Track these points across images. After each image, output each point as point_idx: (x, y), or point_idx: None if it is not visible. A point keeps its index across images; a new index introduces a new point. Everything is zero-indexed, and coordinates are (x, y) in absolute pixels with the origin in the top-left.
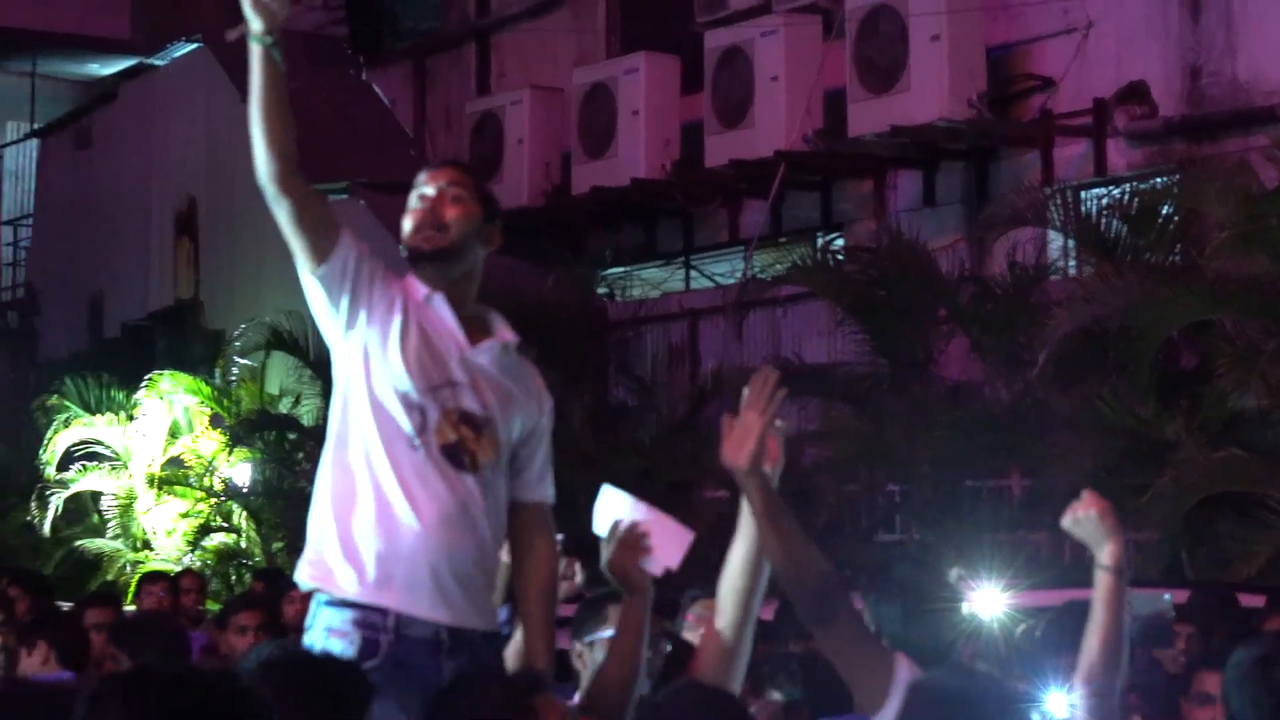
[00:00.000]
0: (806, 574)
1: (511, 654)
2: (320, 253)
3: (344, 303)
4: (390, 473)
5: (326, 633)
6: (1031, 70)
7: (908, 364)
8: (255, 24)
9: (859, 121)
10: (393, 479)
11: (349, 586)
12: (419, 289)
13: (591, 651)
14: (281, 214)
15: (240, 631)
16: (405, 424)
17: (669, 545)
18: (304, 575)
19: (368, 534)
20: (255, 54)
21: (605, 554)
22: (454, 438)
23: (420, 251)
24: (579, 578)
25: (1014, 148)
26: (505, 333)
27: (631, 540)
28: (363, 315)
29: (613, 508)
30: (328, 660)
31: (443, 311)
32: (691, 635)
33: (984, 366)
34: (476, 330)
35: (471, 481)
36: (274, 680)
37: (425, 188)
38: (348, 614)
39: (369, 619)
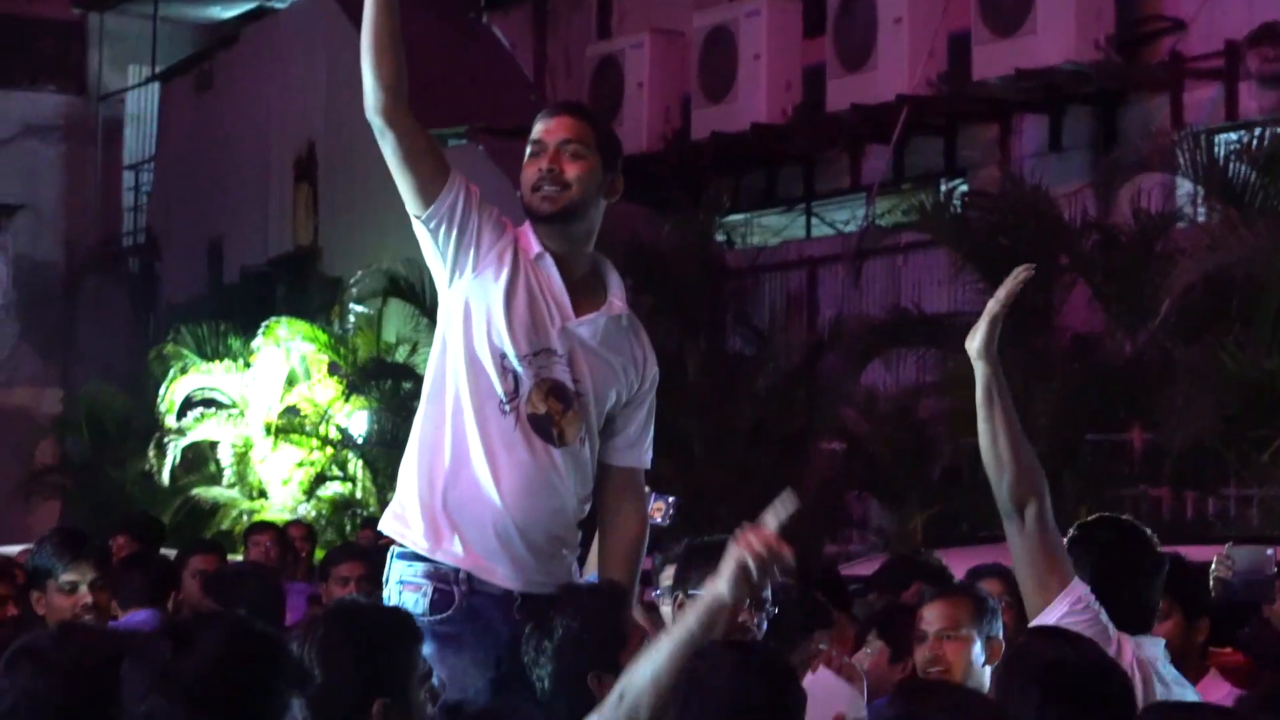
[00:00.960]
0: (1010, 463)
1: None
2: (429, 194)
3: (451, 248)
4: (477, 434)
5: (400, 586)
6: (1161, 11)
7: (1028, 313)
8: None
9: (984, 65)
10: (479, 441)
11: (424, 541)
12: (533, 243)
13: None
14: (388, 148)
15: (341, 582)
16: (498, 387)
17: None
18: (386, 524)
19: (447, 493)
20: None
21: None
22: (543, 410)
23: (540, 213)
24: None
25: (1142, 92)
26: (616, 302)
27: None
28: (469, 265)
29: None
30: (371, 610)
31: (553, 275)
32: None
33: (1106, 317)
34: (587, 296)
35: (558, 454)
36: (316, 635)
37: (544, 138)
38: (420, 566)
39: (442, 572)
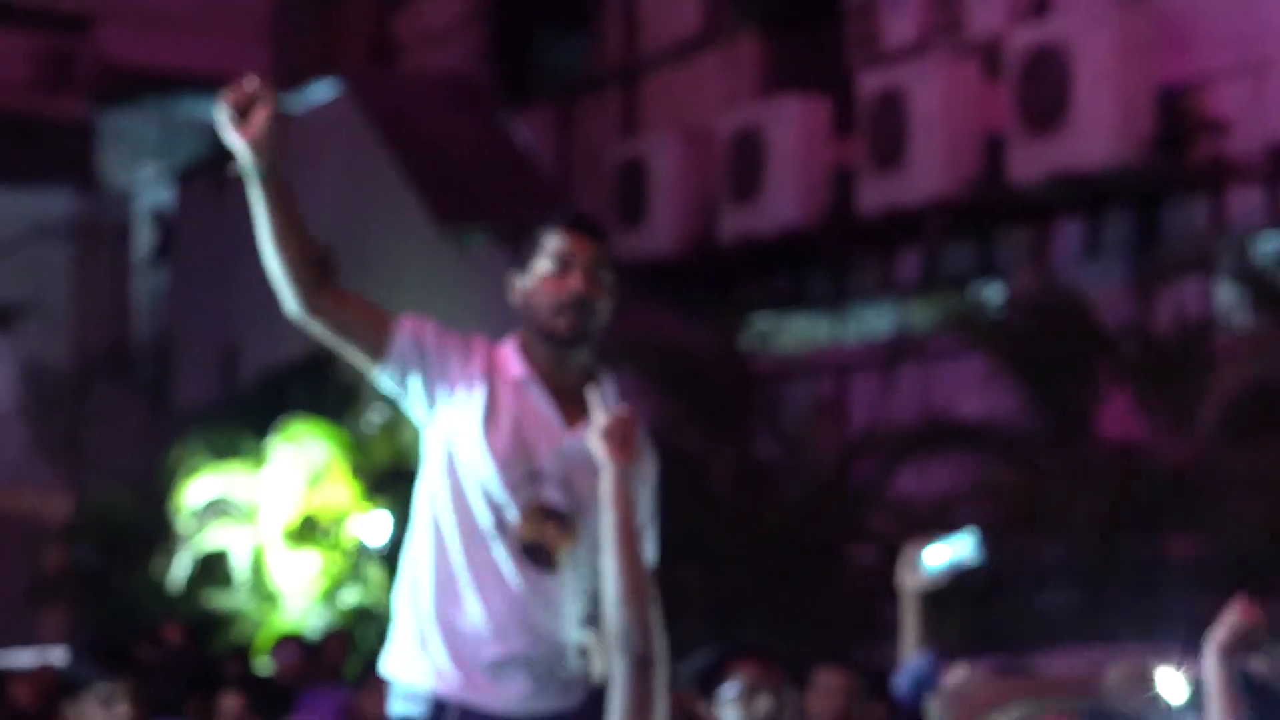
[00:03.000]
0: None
1: None
2: (376, 354)
3: (418, 386)
4: (465, 566)
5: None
6: (1204, 111)
7: (1068, 420)
8: (241, 156)
9: (1019, 166)
10: (467, 573)
11: (417, 676)
12: (514, 364)
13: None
14: (317, 333)
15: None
16: (484, 519)
17: None
18: (383, 661)
19: (441, 625)
20: (250, 187)
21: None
22: (533, 537)
23: (559, 336)
24: None
25: (1183, 193)
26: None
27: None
28: (441, 397)
29: None
30: None
31: (538, 400)
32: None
33: (1149, 423)
34: (577, 407)
35: (551, 581)
36: None
37: (575, 255)
38: (419, 695)
39: (439, 700)
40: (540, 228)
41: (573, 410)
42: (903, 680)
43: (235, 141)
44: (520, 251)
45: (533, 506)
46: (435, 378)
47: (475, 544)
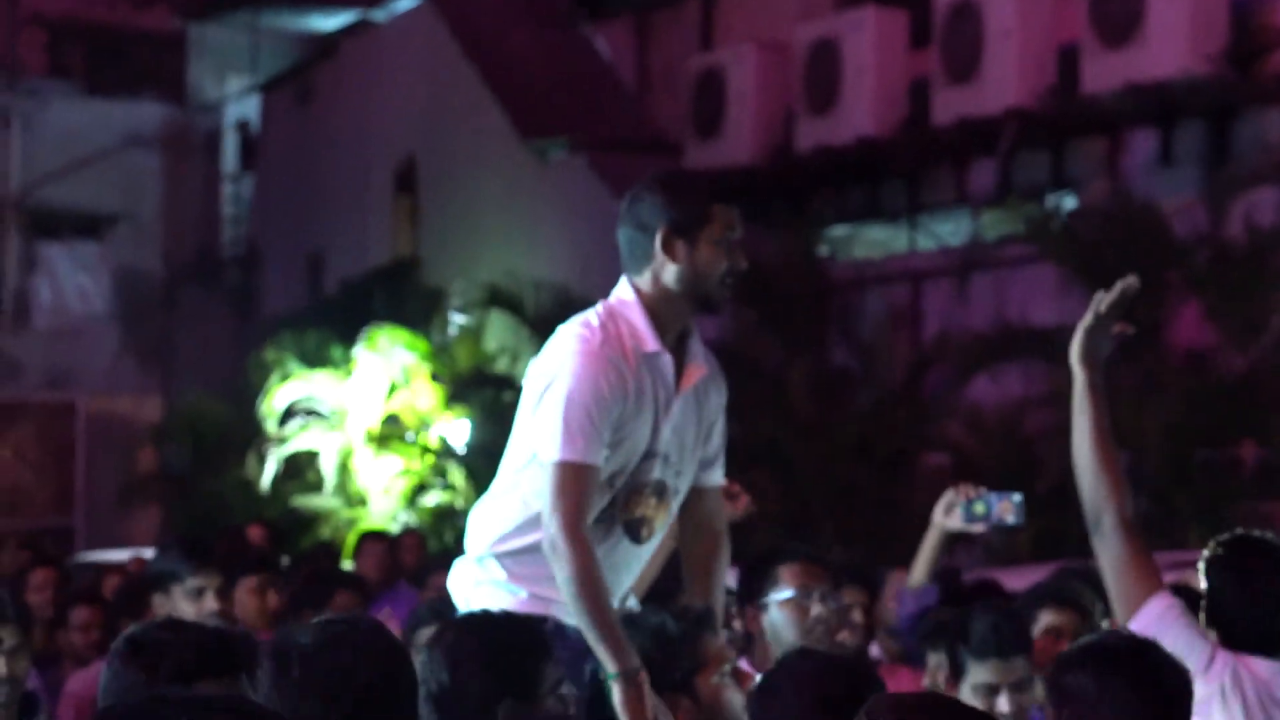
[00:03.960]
0: (1089, 472)
1: None
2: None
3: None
4: None
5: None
6: (1276, 23)
7: (1139, 330)
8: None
9: (1093, 77)
10: None
11: (515, 589)
12: (648, 338)
13: (766, 614)
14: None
15: (438, 592)
16: (600, 503)
17: None
18: (478, 546)
19: (535, 574)
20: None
21: None
22: (638, 514)
23: (719, 305)
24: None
25: (1256, 105)
26: (696, 368)
27: None
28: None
29: None
30: (504, 619)
31: (666, 372)
32: None
33: (1218, 333)
34: (681, 363)
35: (641, 549)
36: (447, 641)
37: (735, 233)
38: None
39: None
40: (698, 193)
41: (678, 363)
42: (906, 608)
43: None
44: (674, 208)
45: (642, 482)
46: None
47: (591, 519)
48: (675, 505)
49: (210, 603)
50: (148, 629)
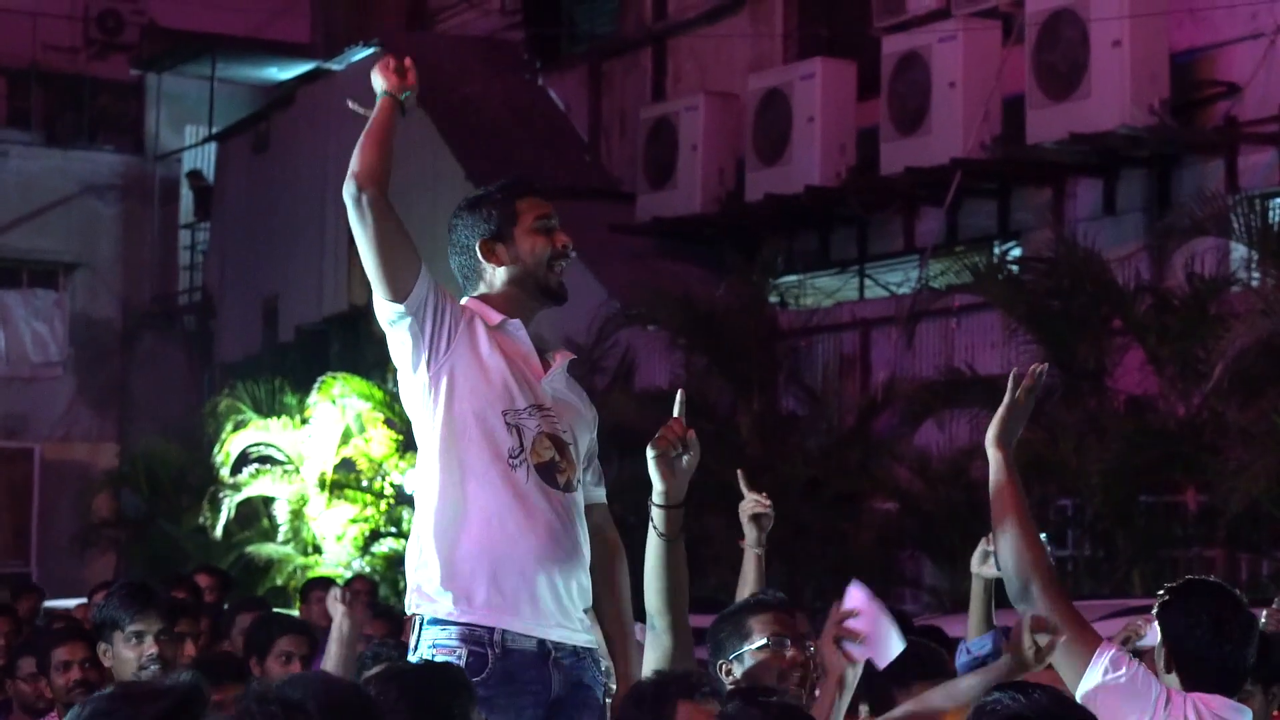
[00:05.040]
0: (1020, 547)
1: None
2: (404, 282)
3: (429, 332)
4: (493, 493)
5: (433, 650)
6: (1216, 76)
7: (1082, 376)
8: (381, 85)
9: (1038, 128)
10: (496, 499)
11: (453, 608)
12: (490, 314)
13: (741, 665)
14: (367, 231)
15: (365, 641)
16: (505, 444)
17: (882, 643)
18: (412, 603)
19: (474, 556)
20: (383, 104)
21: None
22: (548, 458)
23: (558, 294)
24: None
25: (1197, 156)
26: (564, 352)
27: (837, 619)
28: (445, 343)
29: (851, 599)
30: (424, 668)
31: (521, 336)
32: None
33: (1160, 379)
34: (539, 350)
35: (567, 500)
36: (382, 691)
37: (553, 216)
38: (453, 630)
39: (476, 634)
40: (500, 196)
41: (540, 353)
42: (962, 660)
43: (388, 83)
44: (482, 219)
45: (542, 433)
46: (442, 325)
47: (498, 469)
48: (579, 468)
49: (150, 647)
50: (99, 703)
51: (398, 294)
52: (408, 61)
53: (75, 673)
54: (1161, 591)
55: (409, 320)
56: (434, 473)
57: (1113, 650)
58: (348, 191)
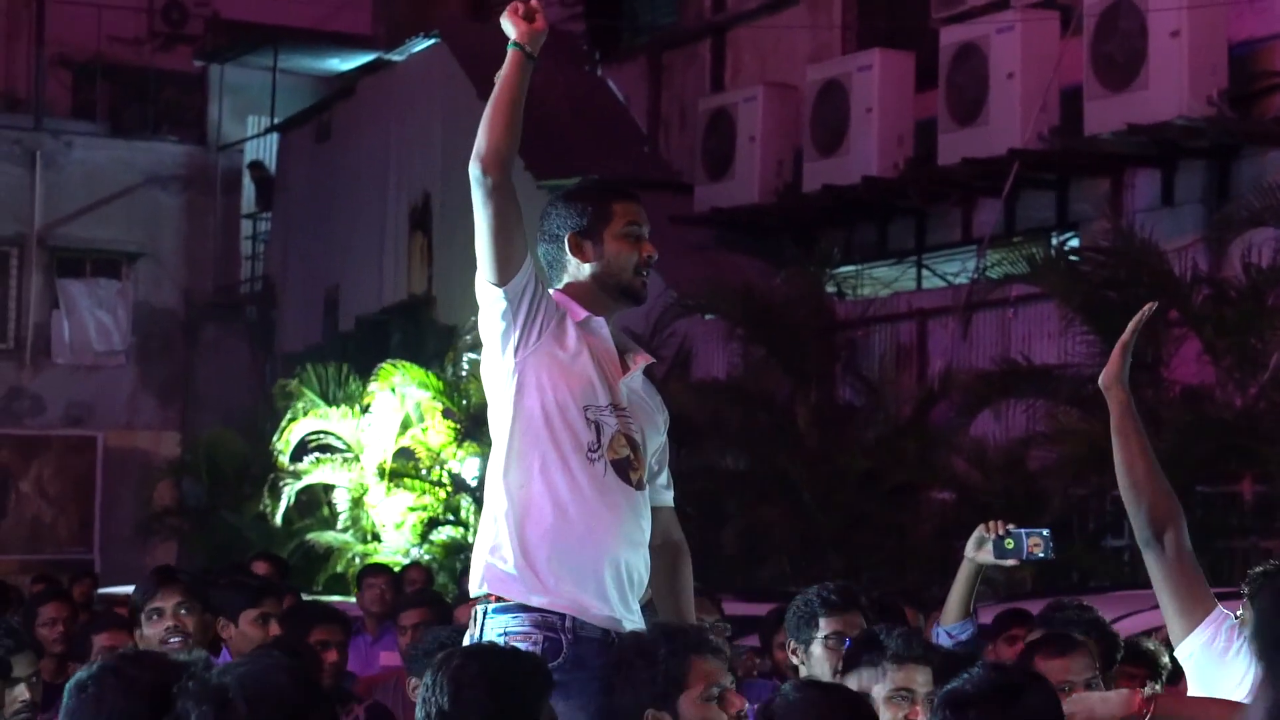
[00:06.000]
0: (1142, 493)
1: None
2: (511, 266)
3: (523, 319)
4: (570, 484)
5: (503, 637)
6: (1276, 67)
7: (1138, 367)
8: (512, 33)
9: (1096, 119)
10: (573, 490)
11: (528, 593)
12: (577, 309)
13: (807, 653)
14: (488, 209)
15: (402, 632)
16: (584, 437)
17: None
18: (482, 585)
19: (548, 544)
20: (513, 58)
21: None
22: (624, 455)
23: (640, 298)
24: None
25: (1256, 146)
26: (643, 355)
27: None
28: (537, 333)
29: None
30: (508, 652)
31: (604, 334)
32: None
33: (1216, 370)
34: (620, 351)
35: (638, 496)
36: (452, 665)
37: (642, 224)
38: (525, 616)
39: (549, 620)
40: (597, 195)
41: (621, 351)
42: (946, 640)
43: (517, 30)
44: (576, 213)
45: (614, 426)
46: (536, 315)
47: (577, 461)
48: (646, 469)
49: (167, 620)
50: (90, 668)
51: (501, 279)
52: (534, 2)
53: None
54: (1254, 573)
55: (505, 305)
56: (512, 459)
57: (1226, 615)
58: (472, 173)
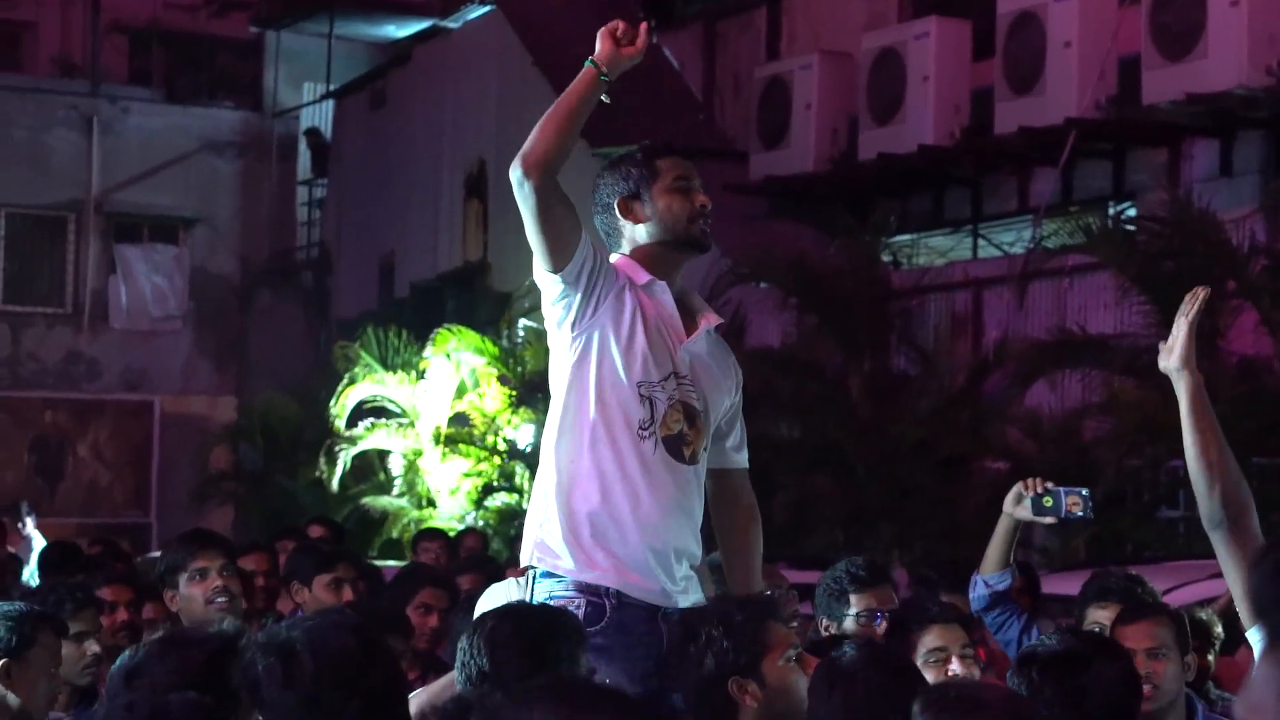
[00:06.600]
0: (1215, 477)
1: None
2: (564, 254)
3: (579, 297)
4: (620, 460)
5: (549, 600)
6: None
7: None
8: (597, 49)
9: (1153, 89)
10: (621, 467)
11: (573, 564)
12: (640, 272)
13: (839, 626)
14: (529, 207)
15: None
16: (636, 414)
17: None
18: (529, 554)
19: (594, 518)
20: (586, 75)
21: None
22: (677, 430)
23: (703, 245)
24: None
25: None
26: (711, 315)
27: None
28: (593, 308)
29: None
30: (540, 609)
31: (666, 299)
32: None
33: (1273, 341)
34: (686, 314)
35: (689, 471)
36: (487, 627)
37: (690, 176)
38: (570, 582)
39: (594, 588)
40: (641, 156)
41: (684, 315)
42: (979, 593)
43: (600, 51)
44: (622, 178)
45: (675, 403)
46: (595, 291)
47: (627, 438)
48: (708, 436)
49: (214, 580)
50: (151, 648)
51: (555, 266)
52: (643, 28)
53: (122, 614)
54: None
55: (563, 288)
56: (566, 432)
57: None
58: (513, 173)
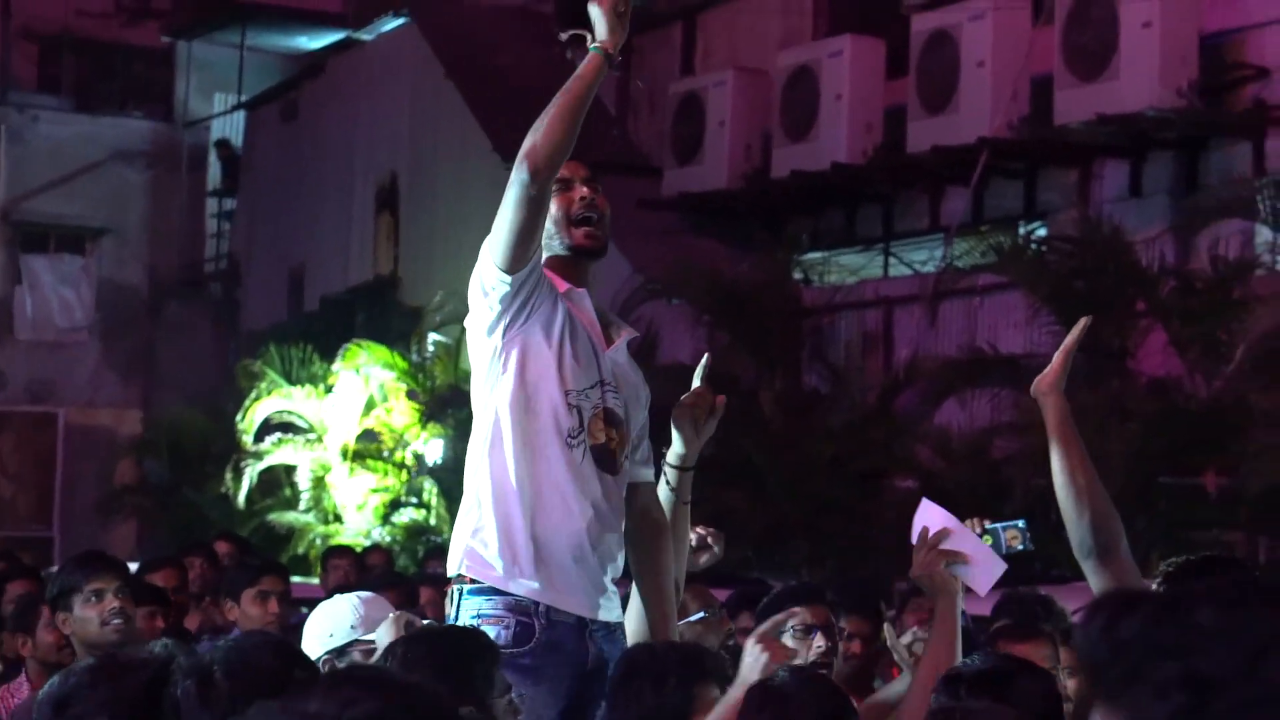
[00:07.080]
0: (1084, 503)
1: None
2: (523, 259)
3: (516, 305)
4: (549, 471)
5: (477, 619)
6: (1246, 59)
7: (1105, 357)
8: (602, 32)
9: (1066, 109)
10: (553, 477)
11: (504, 579)
12: (560, 282)
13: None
14: (523, 201)
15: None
16: (565, 423)
17: (981, 569)
18: (459, 565)
19: (528, 530)
20: (594, 62)
21: (915, 559)
22: (603, 439)
23: (592, 250)
24: (717, 548)
25: (1224, 139)
26: (626, 329)
27: (935, 542)
28: (527, 314)
29: (927, 518)
30: (449, 630)
31: (587, 306)
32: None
33: (1183, 361)
34: (602, 324)
35: (612, 481)
36: (397, 654)
37: (575, 177)
38: (499, 600)
39: (522, 605)
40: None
41: (603, 328)
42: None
43: (612, 33)
44: None
45: (599, 411)
46: (529, 299)
47: (555, 448)
48: (629, 445)
49: (110, 602)
50: (80, 677)
51: (511, 269)
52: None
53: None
54: (1165, 567)
55: (506, 290)
56: (496, 441)
57: None
58: (518, 171)
